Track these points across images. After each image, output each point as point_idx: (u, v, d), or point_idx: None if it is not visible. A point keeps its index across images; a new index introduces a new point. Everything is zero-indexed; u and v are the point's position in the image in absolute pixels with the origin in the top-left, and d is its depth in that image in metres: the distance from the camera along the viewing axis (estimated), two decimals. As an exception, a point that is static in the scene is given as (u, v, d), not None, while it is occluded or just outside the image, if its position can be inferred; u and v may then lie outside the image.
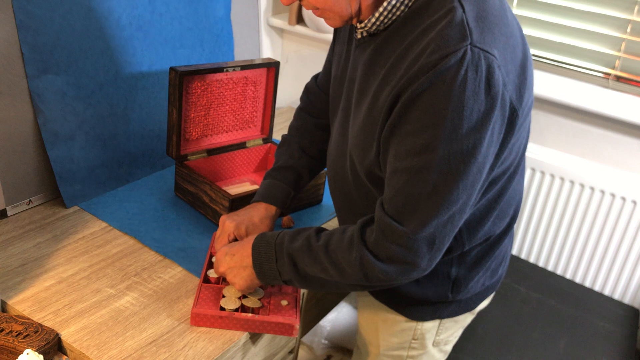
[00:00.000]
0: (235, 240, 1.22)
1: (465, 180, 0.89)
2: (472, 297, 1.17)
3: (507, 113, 0.90)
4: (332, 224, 1.53)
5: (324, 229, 1.06)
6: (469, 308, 1.19)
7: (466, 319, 1.22)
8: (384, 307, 1.18)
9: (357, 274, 0.98)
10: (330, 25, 1.01)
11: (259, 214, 1.25)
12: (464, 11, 0.88)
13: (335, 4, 0.94)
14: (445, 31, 0.87)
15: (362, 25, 0.98)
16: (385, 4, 0.93)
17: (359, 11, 0.96)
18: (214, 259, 1.26)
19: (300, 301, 1.20)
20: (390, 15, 0.94)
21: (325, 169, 1.55)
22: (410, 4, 0.93)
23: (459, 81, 0.84)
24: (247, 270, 1.10)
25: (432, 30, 0.89)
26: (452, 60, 0.84)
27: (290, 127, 1.37)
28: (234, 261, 1.12)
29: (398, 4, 0.93)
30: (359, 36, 1.02)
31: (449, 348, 1.27)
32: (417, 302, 1.13)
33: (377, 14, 0.95)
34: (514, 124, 0.92)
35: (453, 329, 1.22)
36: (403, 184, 0.91)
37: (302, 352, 2.07)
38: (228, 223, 1.21)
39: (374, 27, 0.97)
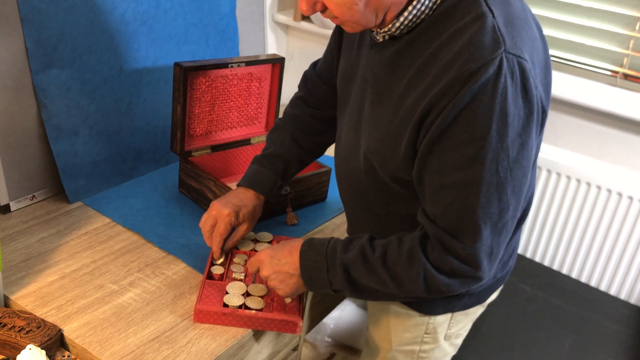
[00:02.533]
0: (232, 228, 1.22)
1: (513, 186, 0.90)
2: (484, 290, 1.16)
3: (540, 114, 0.91)
4: (337, 221, 1.53)
5: (375, 237, 1.05)
6: (480, 300, 1.19)
7: (477, 311, 1.22)
8: (395, 302, 1.17)
9: (419, 288, 0.98)
10: (349, 32, 0.99)
11: (251, 201, 1.24)
12: (493, 16, 0.87)
13: (361, 17, 0.92)
14: (478, 38, 0.86)
15: (386, 29, 0.96)
16: (410, 8, 0.92)
17: (383, 21, 0.94)
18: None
19: (304, 298, 1.20)
20: (415, 19, 0.93)
21: (328, 166, 1.55)
22: (435, 7, 0.92)
23: (500, 90, 0.84)
24: (294, 278, 1.09)
25: (462, 35, 0.88)
26: (491, 69, 0.84)
27: (285, 113, 1.36)
28: (280, 266, 1.09)
29: (423, 8, 0.92)
30: (381, 39, 1.00)
31: (459, 342, 1.27)
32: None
33: (401, 19, 0.93)
34: (543, 124, 0.94)
35: (464, 322, 1.21)
36: (453, 199, 0.91)
37: (305, 350, 2.06)
38: (226, 211, 1.20)
39: (398, 32, 0.96)
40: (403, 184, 1.02)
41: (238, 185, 1.29)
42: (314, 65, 1.36)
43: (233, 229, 1.24)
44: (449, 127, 0.88)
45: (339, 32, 1.21)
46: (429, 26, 0.93)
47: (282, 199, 1.44)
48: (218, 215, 1.21)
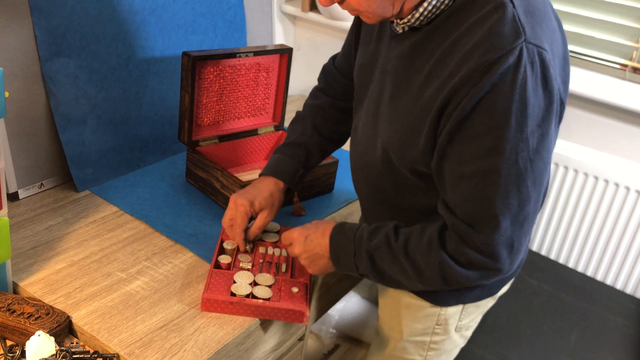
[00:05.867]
0: (252, 218, 1.25)
1: (534, 178, 0.90)
2: (496, 282, 1.16)
3: (559, 105, 0.91)
4: (344, 212, 1.53)
5: (401, 225, 1.06)
6: (491, 292, 1.19)
7: (487, 304, 1.22)
8: (407, 292, 1.18)
9: (436, 277, 0.99)
10: (368, 22, 0.99)
11: (268, 188, 1.26)
12: (514, 6, 0.87)
13: (378, 7, 0.92)
14: (498, 28, 0.85)
15: (405, 20, 0.96)
16: None
17: (401, 11, 0.94)
18: (225, 245, 1.26)
19: (311, 289, 1.20)
20: (435, 10, 0.93)
21: (335, 157, 1.55)
22: None
23: (520, 80, 0.84)
24: (324, 260, 1.13)
25: (482, 25, 0.87)
26: (511, 59, 0.84)
27: (305, 105, 1.37)
28: (312, 247, 1.13)
29: None
30: (400, 31, 1.00)
31: (469, 334, 1.27)
32: None
33: (421, 9, 0.93)
34: (561, 116, 0.94)
35: (475, 314, 1.21)
36: (472, 189, 0.91)
37: (310, 341, 2.07)
38: (241, 202, 1.22)
39: (417, 23, 0.95)
40: (420, 175, 1.02)
41: (260, 175, 1.30)
42: (333, 59, 1.37)
43: (253, 219, 1.26)
44: (468, 116, 0.88)
45: (356, 26, 1.21)
46: (449, 17, 0.92)
47: (289, 190, 1.44)
48: (234, 208, 1.23)
